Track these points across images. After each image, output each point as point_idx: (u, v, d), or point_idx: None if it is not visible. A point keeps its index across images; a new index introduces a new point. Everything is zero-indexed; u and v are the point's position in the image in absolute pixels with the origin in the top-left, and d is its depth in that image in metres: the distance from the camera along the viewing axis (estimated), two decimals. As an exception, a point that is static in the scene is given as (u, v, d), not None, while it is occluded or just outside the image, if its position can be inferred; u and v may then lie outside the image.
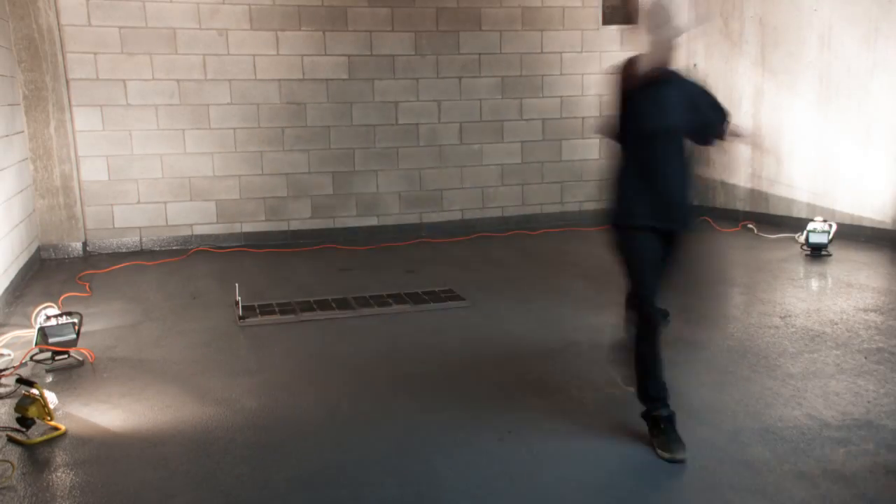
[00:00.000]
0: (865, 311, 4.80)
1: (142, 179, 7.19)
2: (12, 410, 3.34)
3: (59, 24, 6.72)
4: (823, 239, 6.31)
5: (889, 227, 6.67)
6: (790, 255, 6.42)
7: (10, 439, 3.22)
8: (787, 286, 5.48)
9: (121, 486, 2.84)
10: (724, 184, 8.35)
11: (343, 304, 5.17)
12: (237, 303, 4.99)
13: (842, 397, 3.48)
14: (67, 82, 6.84)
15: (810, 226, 6.41)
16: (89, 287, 5.80)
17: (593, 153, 8.51)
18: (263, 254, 7.05)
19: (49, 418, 3.29)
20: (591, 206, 8.54)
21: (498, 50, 8.02)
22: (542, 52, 8.16)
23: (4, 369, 3.96)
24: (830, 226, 6.39)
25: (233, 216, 7.51)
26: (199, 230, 7.42)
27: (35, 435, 3.24)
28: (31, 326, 4.46)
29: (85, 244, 7.06)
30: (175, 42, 7.09)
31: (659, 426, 3.02)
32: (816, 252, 6.34)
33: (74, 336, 4.23)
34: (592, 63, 8.34)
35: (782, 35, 7.52)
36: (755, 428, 3.19)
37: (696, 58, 8.52)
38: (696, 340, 4.35)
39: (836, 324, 4.56)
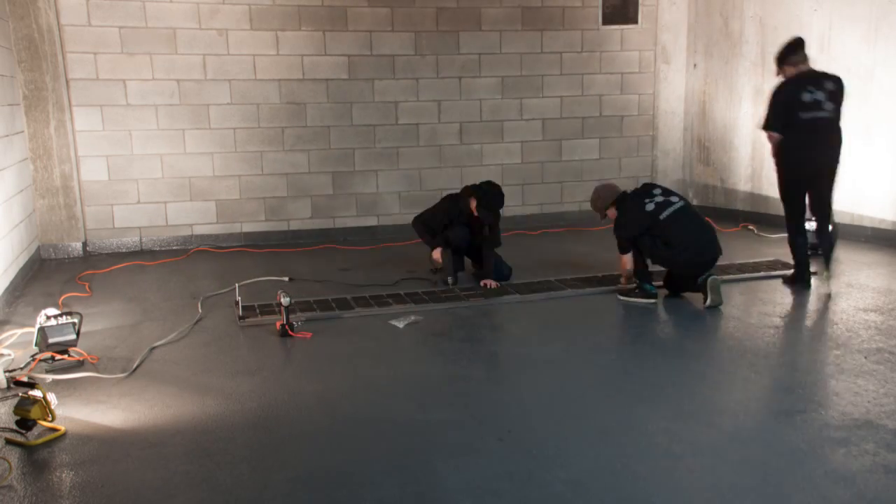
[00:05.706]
0: (865, 311, 4.80)
1: (142, 179, 7.19)
2: (11, 412, 3.33)
3: (59, 24, 6.73)
4: (813, 238, 6.31)
5: (889, 227, 6.67)
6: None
7: (10, 441, 3.21)
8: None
9: (121, 486, 2.84)
10: (724, 184, 8.35)
11: (343, 304, 5.17)
12: (237, 303, 4.99)
13: (842, 397, 3.48)
14: (67, 82, 6.85)
15: (805, 225, 6.42)
16: (89, 287, 5.80)
17: (593, 153, 8.51)
18: (263, 254, 7.04)
19: (51, 419, 3.29)
20: (590, 205, 8.53)
21: (498, 50, 8.02)
22: (542, 52, 8.16)
23: (13, 370, 3.96)
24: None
25: (233, 216, 7.51)
26: (199, 230, 7.43)
27: (34, 436, 3.23)
28: (31, 327, 4.45)
29: (85, 244, 7.06)
30: (175, 42, 7.09)
31: None
32: (812, 251, 6.34)
33: (74, 336, 4.22)
34: (592, 63, 8.34)
35: (782, 35, 7.48)
36: (756, 428, 3.19)
37: (696, 57, 8.52)
38: (696, 340, 4.35)
39: (836, 324, 4.56)
